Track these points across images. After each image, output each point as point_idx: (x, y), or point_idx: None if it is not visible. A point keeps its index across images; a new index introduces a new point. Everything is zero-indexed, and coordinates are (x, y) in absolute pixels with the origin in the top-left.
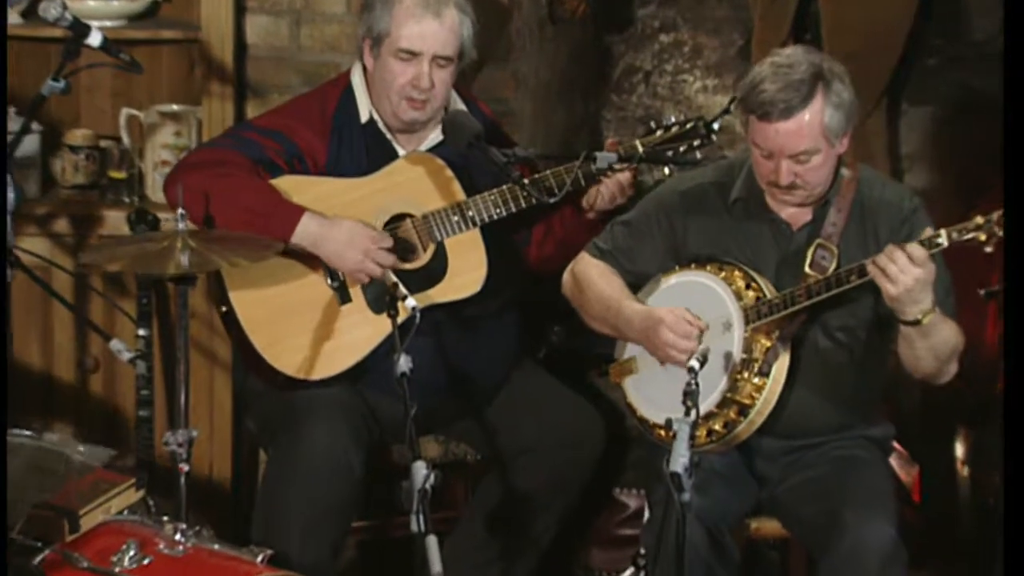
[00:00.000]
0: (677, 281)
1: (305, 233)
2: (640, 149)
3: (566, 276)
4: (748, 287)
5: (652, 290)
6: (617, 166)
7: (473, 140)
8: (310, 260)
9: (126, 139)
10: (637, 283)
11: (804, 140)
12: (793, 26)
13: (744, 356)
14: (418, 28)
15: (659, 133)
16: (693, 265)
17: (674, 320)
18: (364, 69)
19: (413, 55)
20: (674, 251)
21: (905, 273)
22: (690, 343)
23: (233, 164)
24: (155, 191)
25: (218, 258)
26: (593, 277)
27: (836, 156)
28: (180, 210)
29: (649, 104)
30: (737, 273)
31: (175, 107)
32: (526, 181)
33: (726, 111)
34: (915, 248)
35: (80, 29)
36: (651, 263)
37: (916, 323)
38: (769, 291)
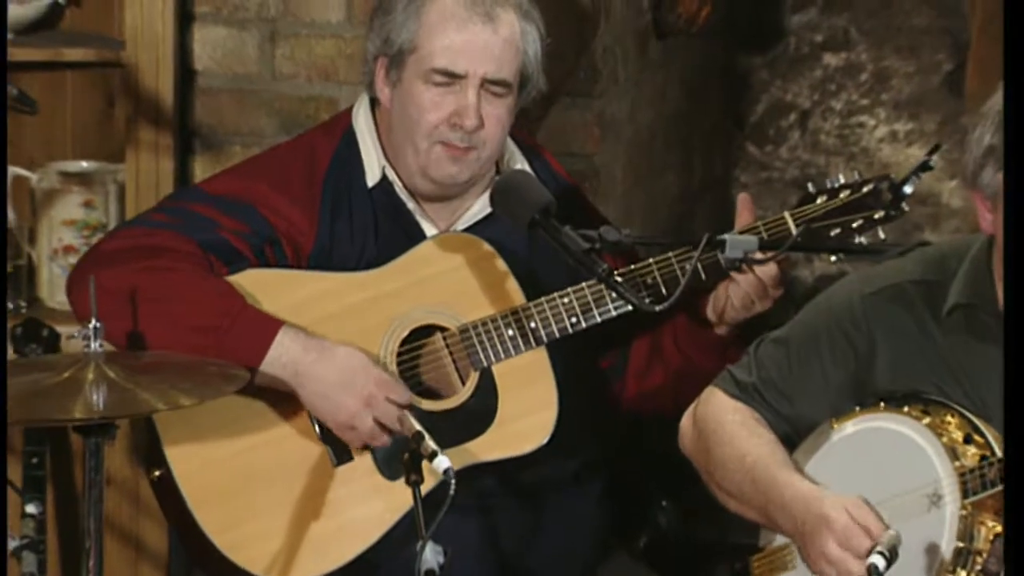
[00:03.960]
0: (858, 430)
1: (281, 360)
2: (793, 227)
3: (685, 424)
4: (968, 440)
5: (819, 445)
6: (757, 255)
7: (539, 215)
8: (288, 397)
9: (10, 214)
10: (795, 434)
11: None
12: None
13: (960, 545)
14: (460, 37)
15: (820, 201)
16: (883, 405)
17: (845, 528)
18: (373, 106)
19: (453, 78)
20: (854, 385)
21: None
22: (862, 565)
23: (173, 253)
24: (53, 292)
25: (150, 396)
26: (728, 427)
27: None
28: (93, 322)
29: (807, 160)
30: (951, 418)
31: (85, 165)
32: (619, 277)
33: (925, 166)
34: None
35: None
36: (818, 404)
37: None
38: (1001, 447)
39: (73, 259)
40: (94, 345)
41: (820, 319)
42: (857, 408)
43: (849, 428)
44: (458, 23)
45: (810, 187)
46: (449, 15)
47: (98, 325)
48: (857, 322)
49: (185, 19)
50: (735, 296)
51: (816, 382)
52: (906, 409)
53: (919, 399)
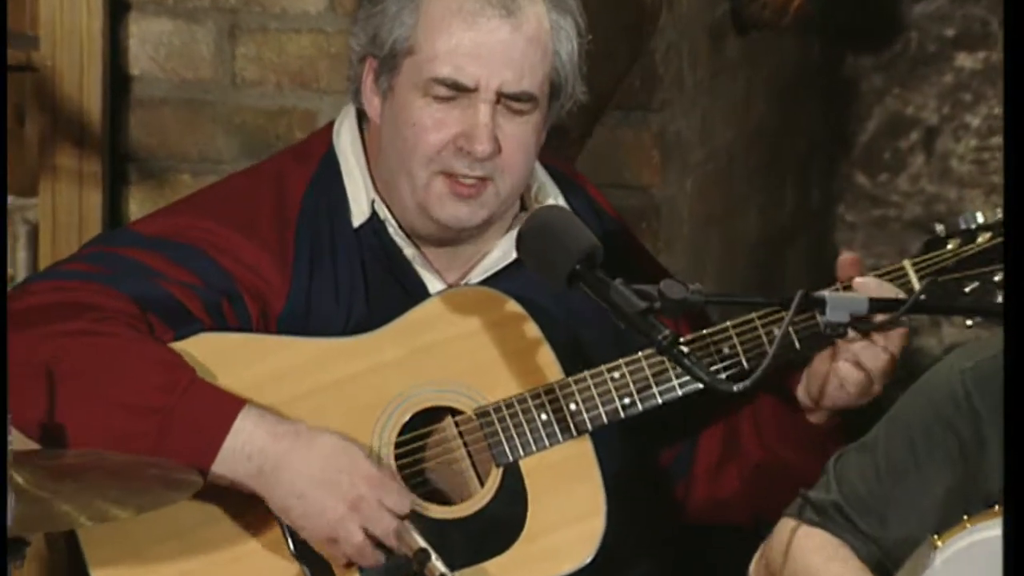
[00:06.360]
0: (969, 544)
1: (244, 450)
2: (916, 281)
3: (754, 570)
4: None
5: (919, 570)
6: (871, 317)
7: (580, 265)
8: (252, 498)
9: None
10: (889, 560)
11: None
12: None
13: None
14: (470, 37)
15: (952, 247)
16: (999, 508)
17: None
18: (361, 120)
19: (460, 91)
20: (962, 486)
21: None
22: None
23: (99, 312)
24: None
25: (71, 508)
26: (800, 556)
27: None
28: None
29: (933, 193)
30: None
31: None
32: (684, 347)
33: None
34: None
35: None
36: (918, 517)
37: None
38: None
39: None
40: None
41: (914, 411)
42: (965, 518)
43: (957, 544)
44: (467, 17)
45: (938, 228)
46: (456, 7)
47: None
48: (959, 403)
49: (118, 8)
50: (847, 375)
51: (914, 491)
52: None
53: None
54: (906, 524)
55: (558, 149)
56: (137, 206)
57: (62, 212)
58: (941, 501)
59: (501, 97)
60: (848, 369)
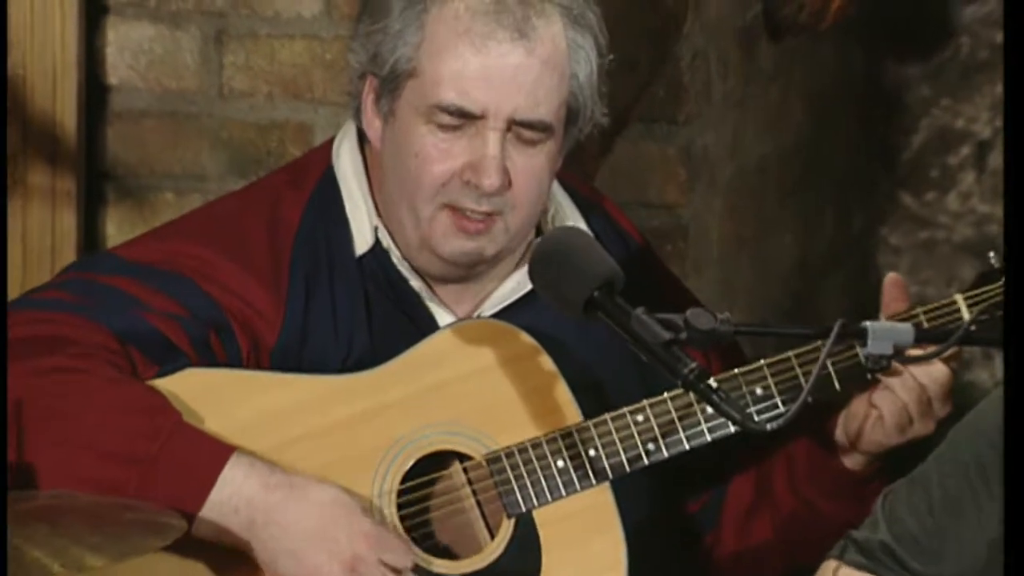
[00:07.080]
0: None
1: (232, 502)
2: (965, 312)
3: None
4: None
5: None
6: (914, 351)
7: (598, 292)
8: (235, 558)
9: None
10: None
11: None
12: None
13: None
14: (479, 61)
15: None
16: None
17: None
18: (363, 140)
19: (466, 118)
20: None
21: None
22: None
23: (76, 347)
24: None
25: (42, 555)
26: None
27: None
28: None
29: (987, 213)
30: None
31: None
32: (714, 383)
33: None
34: None
35: None
36: (972, 555)
37: None
38: None
39: None
40: None
41: (966, 442)
42: None
43: None
44: (475, 40)
45: (992, 258)
46: (464, 29)
47: None
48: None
49: (94, 13)
50: (888, 410)
51: (971, 523)
52: None
53: None
54: (962, 559)
55: (576, 166)
56: (115, 227)
57: (33, 234)
58: (993, 535)
59: (512, 125)
60: (885, 398)
